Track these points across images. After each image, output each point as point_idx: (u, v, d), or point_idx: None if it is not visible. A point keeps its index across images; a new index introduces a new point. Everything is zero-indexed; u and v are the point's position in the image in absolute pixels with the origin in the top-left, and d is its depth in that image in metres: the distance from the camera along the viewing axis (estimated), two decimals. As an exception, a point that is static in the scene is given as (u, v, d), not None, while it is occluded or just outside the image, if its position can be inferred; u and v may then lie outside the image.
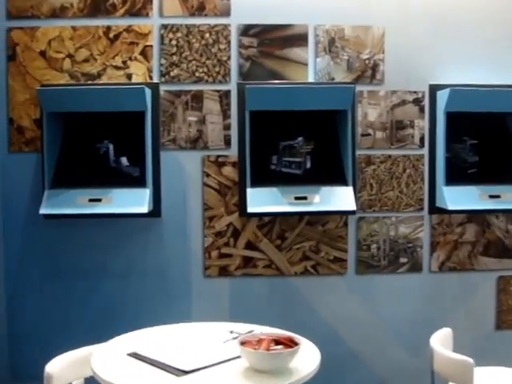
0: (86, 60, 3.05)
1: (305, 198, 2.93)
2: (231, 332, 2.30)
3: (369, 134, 3.13)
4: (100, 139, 3.05)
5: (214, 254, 3.09)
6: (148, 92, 2.89)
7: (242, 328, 2.33)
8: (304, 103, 2.93)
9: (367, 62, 3.11)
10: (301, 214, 3.05)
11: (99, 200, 2.88)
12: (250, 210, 2.84)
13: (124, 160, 3.05)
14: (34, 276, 3.08)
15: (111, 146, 3.05)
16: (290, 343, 1.92)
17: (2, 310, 3.08)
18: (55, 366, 2.17)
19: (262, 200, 2.91)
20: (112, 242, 3.08)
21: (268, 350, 1.88)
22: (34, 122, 3.05)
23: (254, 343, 1.92)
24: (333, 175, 3.07)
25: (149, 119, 2.88)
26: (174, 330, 2.42)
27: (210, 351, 2.11)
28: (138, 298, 3.08)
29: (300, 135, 3.10)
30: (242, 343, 1.92)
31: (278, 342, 1.93)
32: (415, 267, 3.16)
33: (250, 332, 2.22)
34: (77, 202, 2.88)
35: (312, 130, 3.11)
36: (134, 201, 2.88)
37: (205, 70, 3.06)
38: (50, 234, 3.09)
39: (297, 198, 2.92)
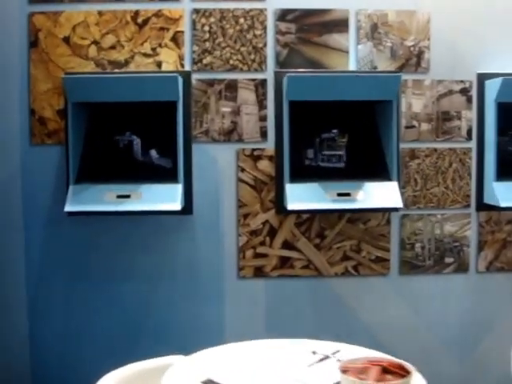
0: (112, 47, 2.86)
1: (348, 195, 2.74)
2: (314, 353, 2.03)
3: (413, 126, 2.94)
4: (126, 131, 2.86)
5: (249, 253, 2.90)
6: (180, 81, 2.70)
7: (326, 347, 2.05)
8: (347, 93, 2.73)
9: (412, 49, 2.92)
10: (344, 212, 2.85)
11: (128, 196, 2.69)
12: (290, 207, 2.65)
13: (153, 152, 2.87)
14: (56, 278, 2.89)
15: (139, 139, 2.87)
16: (400, 371, 1.61)
17: (23, 315, 2.89)
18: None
19: (303, 196, 2.72)
20: (140, 242, 2.88)
21: (379, 380, 1.56)
22: (57, 113, 2.85)
23: (359, 371, 1.61)
24: (374, 170, 2.88)
25: (180, 110, 2.68)
26: (246, 350, 2.15)
27: (295, 378, 1.83)
28: (167, 301, 2.89)
29: (334, 127, 2.91)
30: (344, 371, 1.60)
31: (385, 369, 1.62)
32: (462, 267, 2.97)
33: (336, 352, 1.95)
34: (104, 199, 2.69)
35: (346, 122, 2.92)
36: (165, 197, 2.68)
37: (239, 57, 2.86)
38: (74, 232, 2.89)
39: (339, 195, 2.73)
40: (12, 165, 2.86)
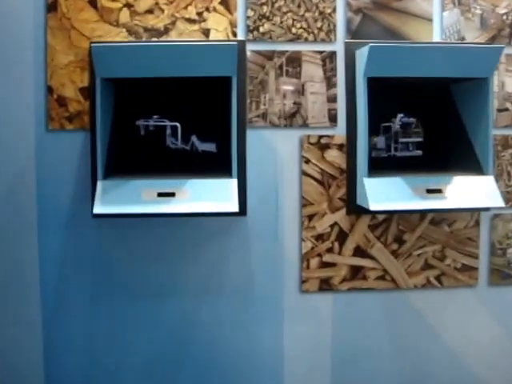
0: (149, 11, 2.33)
1: (439, 191, 2.25)
2: None
3: (507, 109, 2.46)
4: (160, 114, 2.35)
5: (314, 262, 2.40)
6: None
7: None
8: (436, 69, 2.25)
9: (505, 17, 2.44)
10: (437, 212, 2.37)
11: (172, 194, 2.17)
12: (373, 207, 2.15)
13: (195, 138, 2.36)
14: (78, 293, 2.36)
15: (177, 123, 2.35)
16: None
17: (37, 338, 2.36)
18: None
19: (385, 194, 2.21)
20: (181, 249, 2.37)
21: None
22: (79, 92, 2.32)
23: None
24: (460, 161, 2.41)
25: (235, 88, 2.17)
26: None
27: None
28: (215, 319, 2.38)
29: (403, 110, 2.43)
30: None
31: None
32: (562, 277, 2.51)
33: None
34: (142, 197, 2.16)
35: (418, 104, 2.44)
36: (217, 195, 2.16)
37: (303, 24, 2.36)
38: (100, 237, 2.37)
39: (429, 191, 2.25)
40: (24, 155, 2.33)
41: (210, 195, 2.16)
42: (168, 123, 2.35)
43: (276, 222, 2.36)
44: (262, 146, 2.34)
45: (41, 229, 2.34)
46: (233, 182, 2.17)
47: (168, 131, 2.35)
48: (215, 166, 2.31)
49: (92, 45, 2.08)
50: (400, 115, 2.36)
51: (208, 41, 2.30)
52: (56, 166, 2.33)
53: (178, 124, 2.35)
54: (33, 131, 2.32)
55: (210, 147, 2.39)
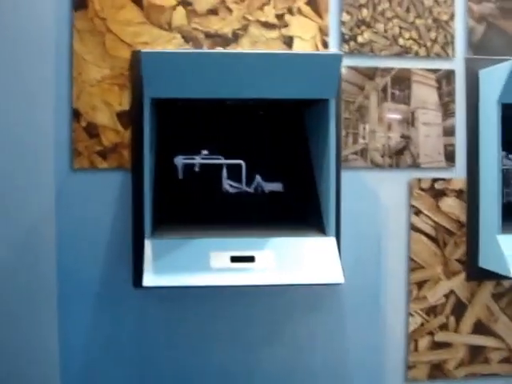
0: (212, 11, 1.74)
1: None
2: None
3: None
4: (216, 147, 1.77)
5: (424, 343, 1.84)
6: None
7: None
8: None
9: None
10: None
11: (250, 259, 1.58)
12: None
13: (259, 178, 1.79)
14: (113, 377, 1.74)
15: (242, 161, 1.78)
16: None
17: None
18: None
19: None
20: (256, 326, 1.78)
21: None
22: (117, 118, 1.71)
23: None
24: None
25: (332, 115, 1.60)
26: None
27: None
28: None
29: None
30: None
31: None
32: None
33: None
34: (211, 263, 1.57)
35: None
36: (311, 259, 1.60)
37: (414, 34, 1.81)
38: (141, 312, 1.76)
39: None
40: (41, 203, 1.71)
41: (300, 259, 1.59)
42: (224, 160, 1.76)
43: (377, 290, 1.80)
44: (360, 192, 1.78)
45: (62, 301, 1.71)
46: (330, 242, 1.60)
47: (224, 171, 1.75)
48: (288, 212, 1.77)
49: (142, 52, 1.47)
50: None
51: (289, 52, 1.71)
52: (83, 218, 1.71)
53: (242, 162, 1.76)
54: (52, 171, 1.70)
55: (277, 187, 1.82)
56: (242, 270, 1.54)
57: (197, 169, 1.73)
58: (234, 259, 1.55)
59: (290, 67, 1.52)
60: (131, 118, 1.69)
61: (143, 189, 1.55)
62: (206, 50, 1.69)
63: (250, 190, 1.81)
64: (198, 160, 1.73)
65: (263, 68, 1.51)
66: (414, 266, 1.80)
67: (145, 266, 1.50)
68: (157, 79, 1.49)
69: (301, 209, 1.78)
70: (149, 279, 1.50)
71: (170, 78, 1.49)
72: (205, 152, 1.75)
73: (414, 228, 1.79)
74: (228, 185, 1.80)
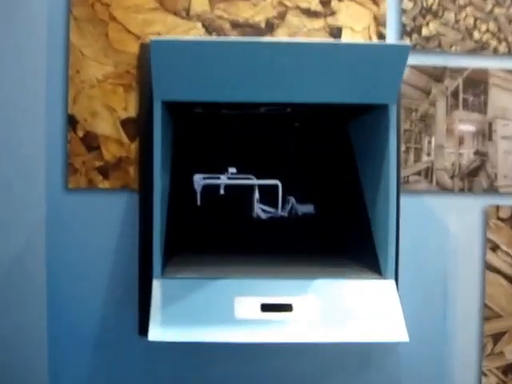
0: (242, -5, 1.40)
1: None
2: None
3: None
4: (250, 166, 1.42)
5: (501, 411, 1.46)
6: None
7: None
8: None
9: None
10: None
11: (288, 308, 1.23)
12: None
13: (293, 200, 1.45)
14: None
15: (278, 181, 1.43)
16: None
17: None
18: None
19: None
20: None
21: None
22: (121, 126, 1.38)
23: None
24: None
25: (393, 124, 1.23)
26: None
27: None
28: None
29: None
30: None
31: None
32: None
33: None
34: (236, 313, 1.22)
35: None
36: (364, 308, 1.24)
37: (492, 27, 1.44)
38: (148, 364, 1.42)
39: None
40: (30, 231, 1.37)
41: (350, 309, 1.23)
42: (256, 181, 1.41)
43: (442, 344, 1.43)
44: (423, 221, 1.43)
45: (53, 351, 1.38)
46: (388, 286, 1.24)
47: (257, 193, 1.41)
48: (331, 245, 1.43)
49: (152, 40, 1.13)
50: None
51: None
52: (79, 249, 1.37)
53: (278, 182, 1.42)
54: (43, 190, 1.37)
55: (308, 209, 1.48)
56: (276, 322, 1.19)
57: (222, 191, 1.37)
58: (266, 308, 1.19)
59: (340, 62, 1.16)
60: (139, 127, 1.36)
61: (153, 215, 1.20)
62: (230, 40, 1.33)
63: (284, 213, 1.46)
64: (223, 180, 1.37)
65: (306, 63, 1.17)
66: (489, 314, 1.43)
67: (151, 313, 1.16)
68: (170, 77, 1.15)
69: (347, 241, 1.43)
70: (156, 332, 1.16)
71: (188, 76, 1.15)
72: (232, 170, 1.39)
73: (489, 267, 1.42)
74: (260, 209, 1.45)
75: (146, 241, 1.30)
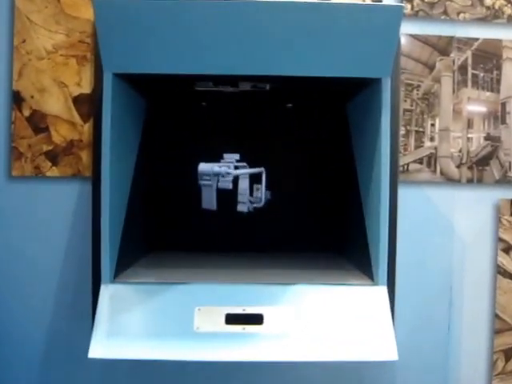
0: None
1: None
2: None
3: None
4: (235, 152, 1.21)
5: None
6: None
7: None
8: None
9: None
10: None
11: (257, 319, 1.03)
12: None
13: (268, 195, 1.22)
14: None
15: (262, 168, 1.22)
16: None
17: None
18: None
19: None
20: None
21: None
22: (75, 105, 1.18)
23: None
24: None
25: (386, 101, 1.02)
26: None
27: None
28: None
29: None
30: None
31: None
32: None
33: None
34: (195, 325, 1.02)
35: None
36: (347, 320, 1.04)
37: (507, -11, 1.23)
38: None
39: None
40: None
41: (333, 321, 1.03)
42: (244, 170, 1.21)
43: (445, 360, 1.22)
44: (425, 217, 1.20)
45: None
46: (379, 294, 1.04)
47: (245, 182, 1.20)
48: (319, 242, 1.23)
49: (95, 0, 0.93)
50: None
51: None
52: (23, 245, 1.17)
53: (262, 169, 1.22)
54: (-19, 179, 1.17)
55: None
56: (244, 336, 1.00)
57: (230, 185, 1.15)
58: (232, 319, 1.00)
59: (323, 28, 0.96)
60: (94, 106, 1.15)
61: (104, 209, 1.01)
62: None
63: (261, 204, 1.26)
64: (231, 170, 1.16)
65: (287, 26, 0.96)
66: (500, 326, 1.22)
67: (95, 324, 0.97)
68: (120, 44, 0.95)
69: (339, 236, 1.23)
70: (98, 347, 0.98)
71: (141, 42, 0.95)
72: (231, 157, 1.18)
73: (501, 272, 1.21)
74: (244, 202, 1.25)
75: (97, 237, 1.11)
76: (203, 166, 1.05)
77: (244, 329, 0.97)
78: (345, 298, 1.01)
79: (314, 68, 0.97)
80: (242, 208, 1.18)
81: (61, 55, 1.18)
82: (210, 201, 1.07)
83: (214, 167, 1.06)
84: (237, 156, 1.11)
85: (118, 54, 0.97)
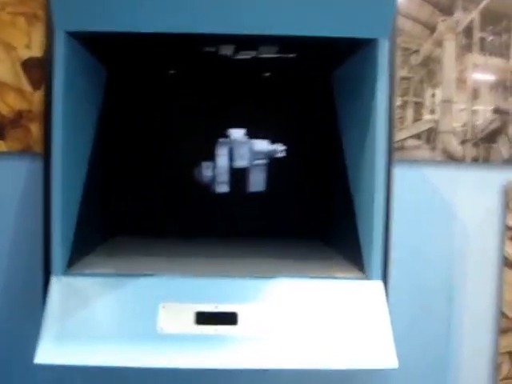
0: None
1: None
2: None
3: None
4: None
5: None
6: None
7: None
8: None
9: None
10: None
11: (230, 318, 0.88)
12: None
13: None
14: None
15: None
16: None
17: None
18: None
19: None
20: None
21: None
22: (24, 70, 1.03)
23: None
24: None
25: (383, 66, 0.87)
26: None
27: None
28: None
29: None
30: None
31: None
32: None
33: None
34: (159, 325, 0.87)
35: None
36: (334, 321, 0.89)
37: None
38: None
39: None
40: None
41: (318, 321, 0.90)
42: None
43: (445, 360, 1.09)
44: (424, 200, 1.06)
45: None
46: (373, 290, 0.90)
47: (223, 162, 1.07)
48: (302, 227, 1.10)
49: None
50: None
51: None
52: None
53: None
54: None
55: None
56: (215, 338, 0.86)
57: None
58: (202, 318, 0.85)
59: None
60: (46, 71, 1.00)
61: (51, 188, 0.87)
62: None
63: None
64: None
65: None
66: (506, 325, 1.09)
67: (43, 323, 0.82)
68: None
69: (328, 223, 1.10)
70: (45, 351, 0.82)
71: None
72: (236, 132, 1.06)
73: (508, 264, 1.07)
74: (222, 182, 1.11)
75: (47, 221, 0.96)
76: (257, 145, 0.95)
77: (216, 330, 0.83)
78: (333, 293, 0.87)
79: (303, 27, 0.83)
80: (221, 189, 1.04)
81: (7, 13, 1.02)
82: (259, 182, 0.96)
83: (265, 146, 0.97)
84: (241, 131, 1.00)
85: (72, 8, 0.82)
